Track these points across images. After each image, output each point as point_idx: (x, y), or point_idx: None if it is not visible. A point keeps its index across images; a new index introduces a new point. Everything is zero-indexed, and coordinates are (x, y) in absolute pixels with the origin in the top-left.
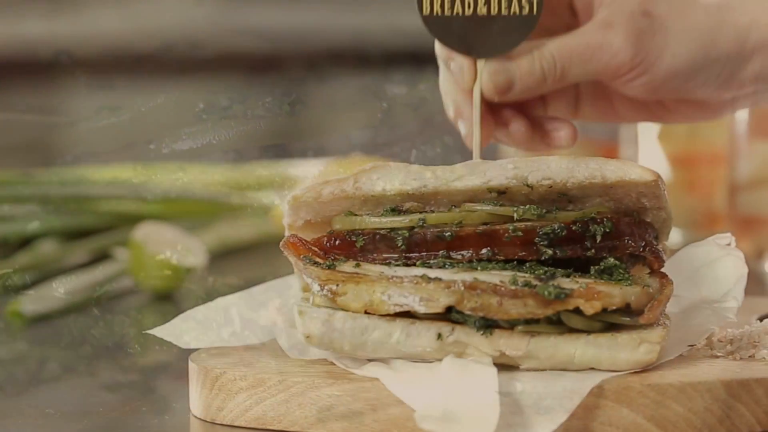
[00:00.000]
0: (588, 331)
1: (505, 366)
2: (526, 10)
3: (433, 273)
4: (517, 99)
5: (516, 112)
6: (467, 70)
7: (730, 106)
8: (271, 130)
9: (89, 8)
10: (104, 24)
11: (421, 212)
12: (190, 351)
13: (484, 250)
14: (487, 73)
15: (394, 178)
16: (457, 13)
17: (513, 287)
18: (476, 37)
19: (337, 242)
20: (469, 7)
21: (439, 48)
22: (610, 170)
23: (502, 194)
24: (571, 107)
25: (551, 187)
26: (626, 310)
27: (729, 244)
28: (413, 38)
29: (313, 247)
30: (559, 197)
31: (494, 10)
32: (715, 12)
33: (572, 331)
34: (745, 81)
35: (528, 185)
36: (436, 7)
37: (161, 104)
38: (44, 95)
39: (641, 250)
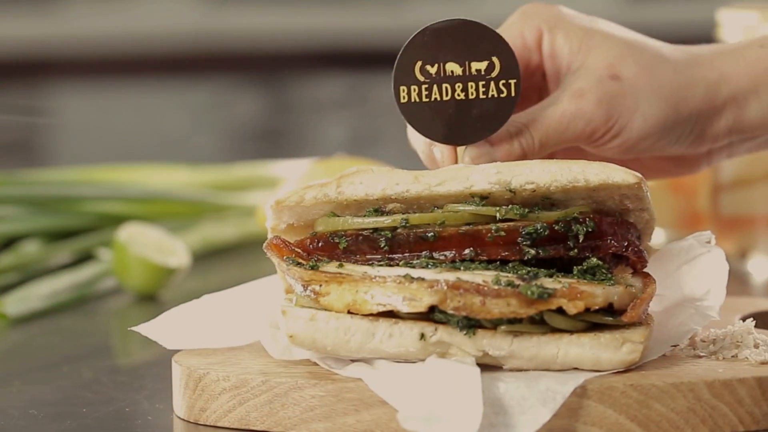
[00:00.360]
0: (571, 331)
1: (488, 366)
2: (504, 93)
3: (416, 273)
4: None
5: None
6: (447, 156)
7: (706, 159)
8: (255, 130)
9: (74, 10)
10: (89, 26)
11: (403, 213)
12: (173, 352)
13: (467, 251)
14: (469, 159)
15: (377, 183)
16: (435, 99)
17: (496, 287)
18: (455, 123)
19: (320, 244)
20: (446, 93)
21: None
22: (593, 173)
23: (485, 198)
24: None
25: (535, 191)
26: (609, 309)
27: (709, 242)
28: (396, 38)
29: (296, 249)
30: (543, 200)
31: (472, 95)
32: (683, 69)
33: (555, 331)
34: (719, 135)
35: (511, 190)
36: (414, 95)
37: (145, 105)
38: (29, 96)
39: (624, 250)
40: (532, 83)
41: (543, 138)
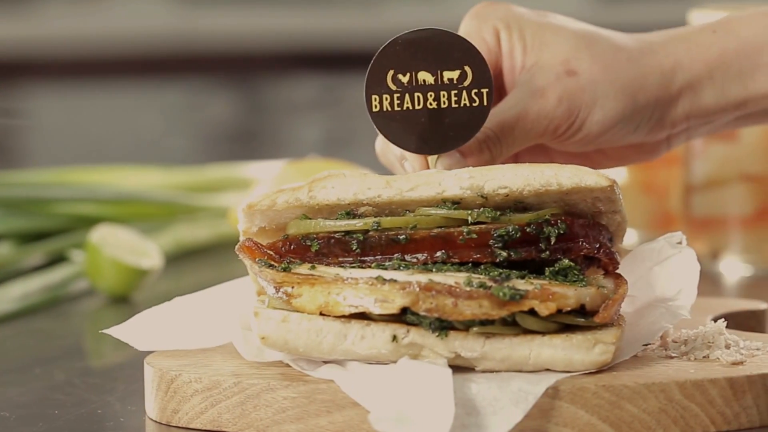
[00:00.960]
0: (543, 332)
1: (460, 368)
2: (476, 102)
3: (388, 274)
4: None
5: None
6: (418, 167)
7: (666, 144)
8: (228, 131)
9: (47, 11)
10: (62, 27)
11: (375, 216)
12: (145, 353)
13: (438, 253)
14: (441, 168)
15: (348, 187)
16: (407, 108)
17: (468, 288)
18: (427, 132)
19: (292, 246)
20: (419, 102)
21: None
22: (566, 177)
23: (456, 203)
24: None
25: (507, 195)
26: (581, 311)
27: (680, 243)
28: (371, 40)
29: (268, 251)
30: (514, 204)
31: (444, 104)
32: (638, 57)
33: (527, 332)
34: (676, 121)
35: (483, 195)
36: (386, 104)
37: (118, 106)
38: (1, 97)
39: (595, 251)
40: (497, 83)
41: (509, 140)
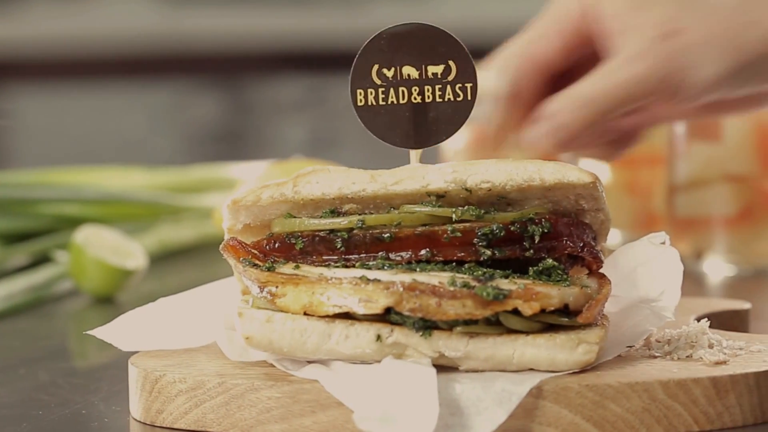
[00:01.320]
0: (527, 332)
1: (444, 367)
2: (460, 97)
3: (372, 274)
4: None
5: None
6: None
7: None
8: (213, 132)
9: (33, 12)
10: (47, 28)
11: (360, 214)
12: (130, 354)
13: (423, 251)
14: (531, 135)
15: (333, 182)
16: (392, 103)
17: (452, 288)
18: (412, 126)
19: (276, 245)
20: (403, 97)
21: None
22: (549, 172)
23: (441, 197)
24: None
25: (490, 190)
26: (565, 310)
27: (663, 243)
28: (355, 40)
29: (252, 250)
30: (499, 200)
31: (428, 98)
32: (740, 13)
33: (511, 331)
34: None
35: (467, 189)
36: (370, 99)
37: (103, 106)
38: None
39: (579, 250)
40: (592, 48)
41: (608, 109)
